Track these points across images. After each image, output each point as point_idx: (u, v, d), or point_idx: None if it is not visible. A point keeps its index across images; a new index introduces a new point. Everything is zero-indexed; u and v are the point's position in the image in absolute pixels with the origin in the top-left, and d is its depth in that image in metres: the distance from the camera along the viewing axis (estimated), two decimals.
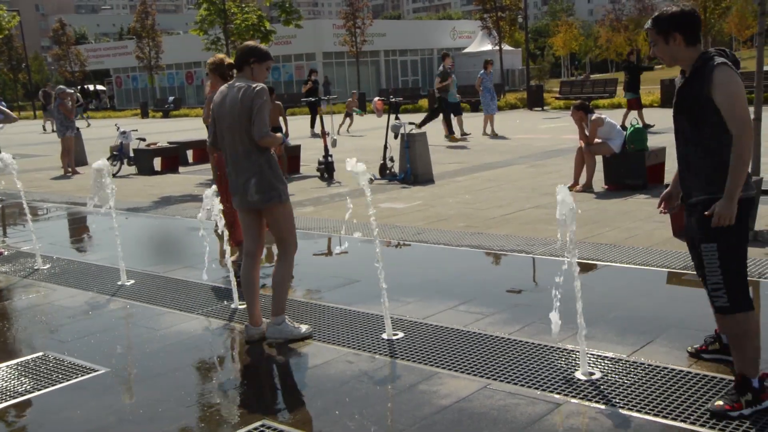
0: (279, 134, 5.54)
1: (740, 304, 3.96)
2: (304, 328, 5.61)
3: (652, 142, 11.45)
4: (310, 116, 24.61)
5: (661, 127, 18.22)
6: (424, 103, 35.86)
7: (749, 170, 3.97)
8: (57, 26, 66.87)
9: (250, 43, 5.62)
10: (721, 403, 3.98)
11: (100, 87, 64.19)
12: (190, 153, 18.04)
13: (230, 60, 7.57)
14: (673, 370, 4.58)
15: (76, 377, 5.13)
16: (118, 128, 17.76)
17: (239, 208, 5.65)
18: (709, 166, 3.96)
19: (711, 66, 3.84)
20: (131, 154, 17.16)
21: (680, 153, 4.17)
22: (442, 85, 19.45)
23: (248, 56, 5.44)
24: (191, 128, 25.83)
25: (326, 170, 13.69)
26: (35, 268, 8.35)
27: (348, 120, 25.33)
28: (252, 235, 5.67)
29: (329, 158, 13.68)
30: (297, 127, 22.44)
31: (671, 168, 11.02)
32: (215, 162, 7.82)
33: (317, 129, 22.60)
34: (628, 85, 19.65)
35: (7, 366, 5.41)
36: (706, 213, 3.90)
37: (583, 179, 10.97)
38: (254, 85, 5.34)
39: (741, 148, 3.79)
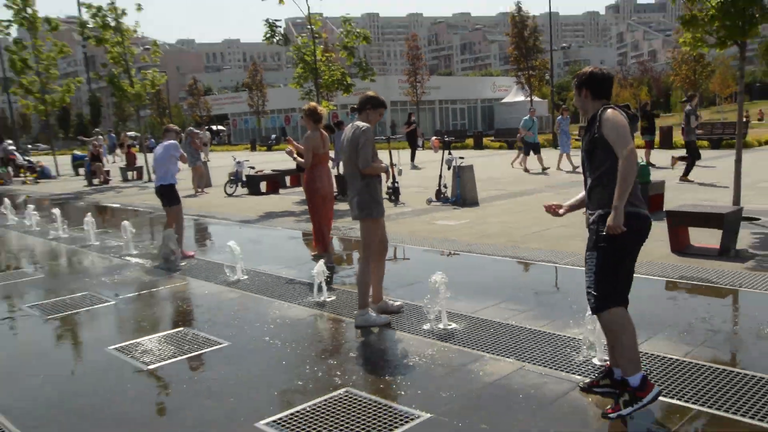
0: (383, 164, 5.59)
1: (605, 301, 3.71)
2: (383, 317, 5.66)
3: (654, 176, 11.19)
4: (410, 151, 24.23)
5: (661, 165, 17.79)
6: (470, 141, 35.66)
7: (635, 188, 3.76)
8: (191, 82, 69.29)
9: (370, 93, 5.69)
10: (608, 407, 3.75)
11: (220, 127, 65.59)
12: (287, 178, 18.29)
13: (321, 108, 7.79)
14: (671, 358, 4.53)
15: (206, 348, 5.28)
16: (235, 159, 18.16)
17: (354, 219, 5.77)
18: (600, 189, 3.79)
19: (601, 111, 3.76)
20: (244, 178, 17.48)
21: (584, 179, 3.98)
22: (525, 133, 19.15)
23: (366, 103, 5.59)
24: (288, 159, 26.04)
25: (393, 194, 13.73)
26: (177, 264, 8.56)
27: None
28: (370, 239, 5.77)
29: (396, 184, 13.72)
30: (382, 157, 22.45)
31: (669, 198, 10.86)
32: (304, 185, 8.09)
33: (416, 161, 23.20)
34: (645, 130, 18.97)
35: (156, 337, 5.59)
36: (590, 224, 3.81)
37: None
38: (362, 126, 5.49)
39: (625, 169, 3.60)
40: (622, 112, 3.79)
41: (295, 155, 8.33)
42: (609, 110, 3.73)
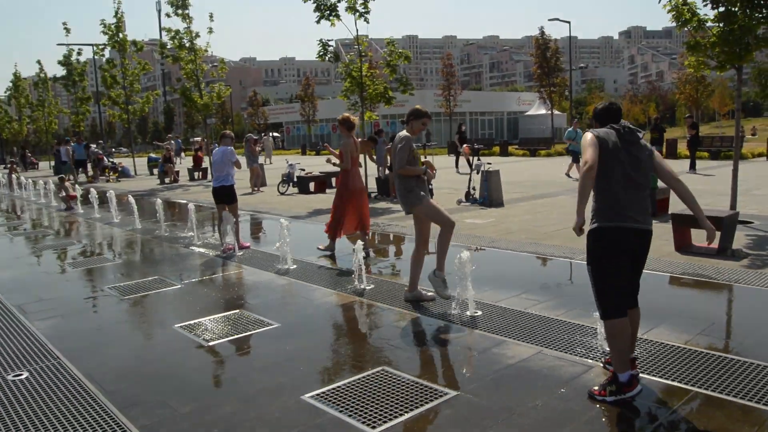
0: (422, 166, 5.69)
1: (606, 313, 3.63)
2: (431, 293, 5.78)
3: (661, 183, 10.88)
4: (455, 158, 23.37)
5: None
6: (496, 149, 35.31)
7: (611, 201, 3.58)
8: (251, 94, 70.35)
9: (418, 106, 5.75)
10: (596, 388, 3.69)
11: (275, 134, 66.30)
12: (333, 179, 18.34)
13: (354, 117, 8.08)
14: (672, 345, 4.42)
15: (259, 328, 5.31)
16: (288, 162, 18.29)
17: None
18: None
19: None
20: (295, 179, 17.60)
21: None
22: (570, 142, 18.45)
23: (410, 116, 5.66)
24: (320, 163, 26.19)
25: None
26: (234, 253, 8.66)
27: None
28: (416, 230, 5.90)
29: (429, 186, 13.61)
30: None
31: (674, 202, 10.56)
32: (338, 182, 8.43)
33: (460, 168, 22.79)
34: (654, 141, 18.54)
35: (215, 317, 5.64)
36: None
37: None
38: (402, 135, 5.60)
39: (579, 182, 3.54)
40: (606, 130, 3.66)
41: (333, 160, 8.51)
42: (587, 133, 3.70)
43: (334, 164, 8.46)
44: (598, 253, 3.63)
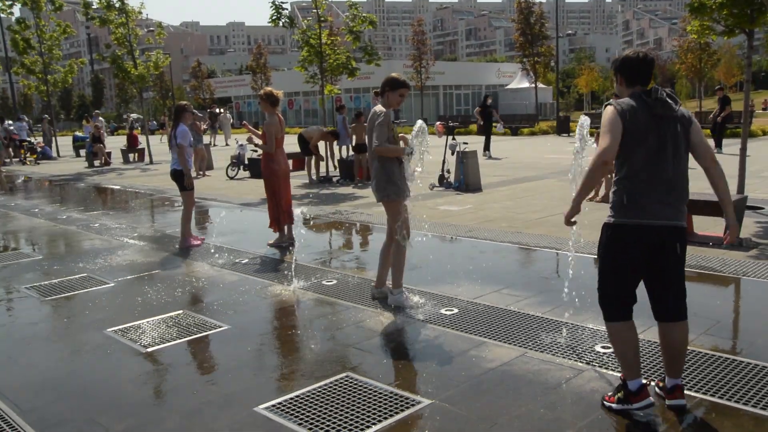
0: (392, 147, 5.47)
1: (606, 315, 3.64)
2: (415, 299, 5.67)
3: None
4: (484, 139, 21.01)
5: None
6: (474, 127, 35.53)
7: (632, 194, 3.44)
8: (195, 65, 69.16)
9: (394, 75, 5.59)
10: (610, 393, 3.72)
11: (219, 110, 65.37)
12: (290, 162, 18.20)
13: (278, 91, 8.16)
14: None
15: (205, 331, 5.23)
16: (237, 142, 18.09)
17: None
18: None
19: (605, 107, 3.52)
20: (246, 162, 17.42)
21: None
22: None
23: (384, 86, 5.55)
24: (291, 143, 26.05)
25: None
26: (175, 246, 8.53)
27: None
28: (387, 221, 5.74)
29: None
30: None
31: None
32: (262, 167, 8.35)
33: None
34: None
35: (154, 320, 5.55)
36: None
37: (602, 192, 10.71)
38: (377, 110, 5.50)
39: (588, 167, 3.41)
40: (633, 104, 3.41)
41: (255, 141, 8.51)
42: (607, 107, 3.48)
43: (256, 145, 8.49)
44: (611, 249, 3.55)
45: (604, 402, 3.68)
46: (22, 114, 35.00)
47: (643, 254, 3.49)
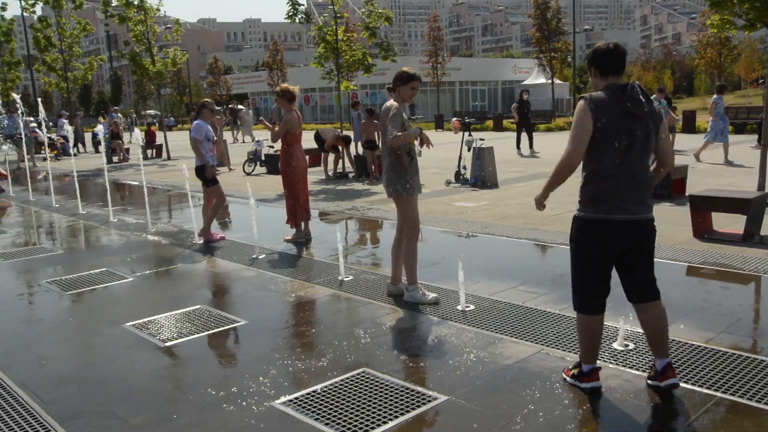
0: (404, 133, 5.37)
1: (576, 306, 3.80)
2: (431, 296, 5.60)
3: (676, 161, 10.99)
4: (526, 136, 19.82)
5: (683, 148, 17.51)
6: (490, 123, 35.41)
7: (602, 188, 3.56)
8: (212, 61, 69.44)
9: (406, 69, 5.54)
10: (570, 366, 3.98)
11: (240, 107, 65.74)
12: (307, 157, 18.23)
13: (294, 87, 8.19)
14: (692, 344, 4.43)
15: (223, 326, 5.25)
16: (254, 138, 18.14)
17: None
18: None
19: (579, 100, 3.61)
20: (263, 158, 17.48)
21: None
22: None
23: (396, 80, 5.51)
24: (307, 138, 26.06)
25: None
26: (193, 241, 8.59)
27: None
28: (398, 216, 5.75)
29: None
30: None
31: (691, 182, 10.67)
32: (281, 163, 8.40)
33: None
34: None
35: (172, 314, 5.58)
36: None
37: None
38: (389, 105, 5.47)
39: (556, 166, 3.61)
40: (605, 99, 3.46)
41: (266, 124, 8.63)
42: (581, 101, 3.55)
43: (266, 125, 8.59)
44: (581, 243, 3.70)
45: (563, 373, 3.98)
46: (63, 110, 35.46)
47: (611, 248, 3.65)
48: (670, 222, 8.44)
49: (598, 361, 3.87)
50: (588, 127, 3.49)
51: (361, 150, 15.96)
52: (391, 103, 5.48)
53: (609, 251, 3.64)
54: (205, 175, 8.37)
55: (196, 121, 8.47)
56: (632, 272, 3.71)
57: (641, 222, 3.62)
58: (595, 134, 3.49)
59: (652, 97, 3.58)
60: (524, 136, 19.85)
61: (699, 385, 3.84)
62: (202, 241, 8.46)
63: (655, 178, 3.74)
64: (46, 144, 18.82)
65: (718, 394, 3.73)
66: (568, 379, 3.91)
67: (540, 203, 3.85)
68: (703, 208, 7.76)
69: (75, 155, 26.37)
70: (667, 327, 3.76)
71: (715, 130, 15.28)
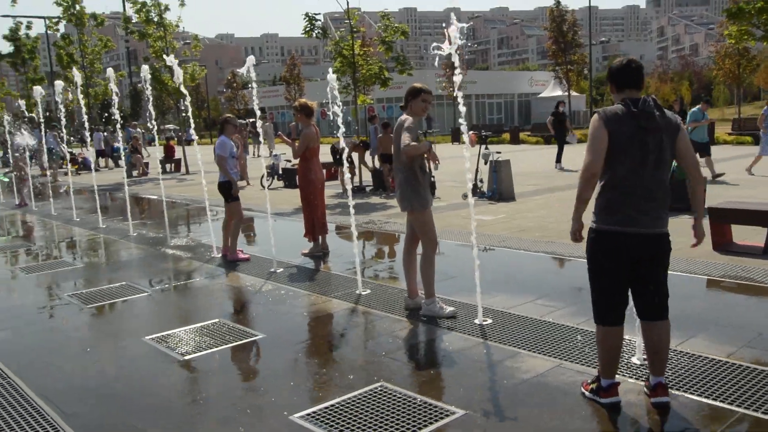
0: (416, 144, 5.39)
1: (596, 318, 3.81)
2: (448, 309, 5.60)
3: None
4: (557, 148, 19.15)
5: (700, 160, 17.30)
6: (506, 136, 35.34)
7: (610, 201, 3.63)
8: (230, 76, 70.05)
9: (417, 84, 5.67)
10: (588, 380, 3.97)
11: (248, 120, 66.13)
12: (324, 171, 18.32)
13: (312, 103, 8.26)
14: (713, 359, 4.38)
15: (241, 339, 5.28)
16: (271, 152, 18.27)
17: None
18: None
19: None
20: (280, 171, 17.58)
21: None
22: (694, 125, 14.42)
23: (408, 95, 5.60)
24: (323, 152, 26.18)
25: (431, 187, 13.61)
26: (211, 255, 8.65)
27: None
28: (408, 229, 5.80)
29: (432, 178, 13.60)
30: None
31: (711, 194, 10.55)
32: (299, 177, 8.48)
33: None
34: None
35: (191, 328, 5.62)
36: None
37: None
38: (402, 119, 5.53)
39: (579, 183, 3.64)
40: (619, 113, 3.54)
41: (285, 137, 8.66)
42: (594, 116, 3.64)
43: (284, 140, 8.58)
44: (596, 254, 3.74)
45: (582, 388, 3.96)
46: (101, 123, 36.02)
47: (625, 260, 3.66)
48: (689, 234, 8.33)
49: (617, 376, 3.86)
50: (603, 140, 3.56)
51: (378, 164, 16.01)
52: (406, 117, 5.53)
53: (623, 262, 3.66)
54: (231, 192, 8.31)
55: (220, 137, 8.37)
56: (646, 285, 3.71)
57: (653, 237, 3.64)
58: (609, 147, 3.56)
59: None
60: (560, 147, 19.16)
61: (721, 401, 3.79)
62: (220, 255, 8.51)
63: (693, 198, 3.86)
64: (68, 159, 19.05)
65: (741, 409, 3.68)
66: (586, 393, 3.90)
67: (576, 234, 3.80)
68: (722, 220, 7.69)
69: (97, 170, 26.69)
70: (668, 346, 3.80)
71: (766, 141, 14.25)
